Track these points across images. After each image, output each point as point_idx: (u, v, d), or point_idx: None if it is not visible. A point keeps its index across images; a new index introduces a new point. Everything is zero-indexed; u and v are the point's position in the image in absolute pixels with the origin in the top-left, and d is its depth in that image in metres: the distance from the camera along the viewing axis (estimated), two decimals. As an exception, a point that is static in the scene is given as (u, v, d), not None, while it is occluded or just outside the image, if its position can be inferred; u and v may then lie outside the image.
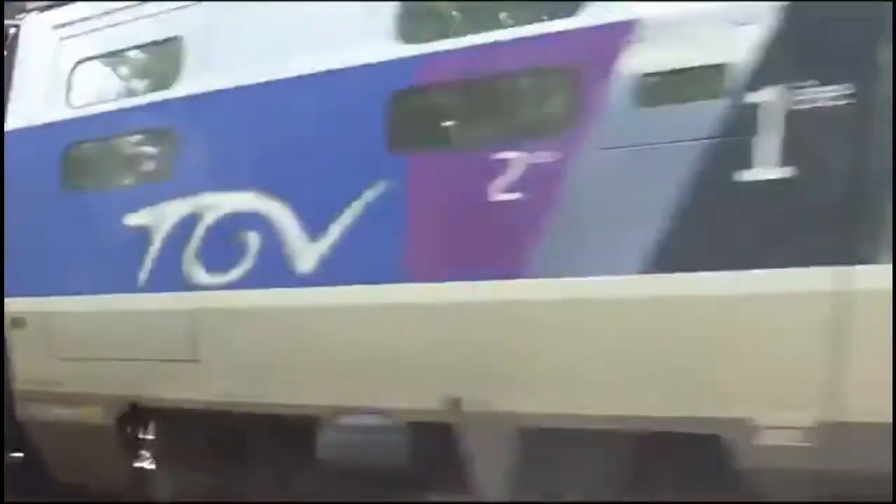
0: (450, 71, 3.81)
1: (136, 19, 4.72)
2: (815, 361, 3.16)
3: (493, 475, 3.82)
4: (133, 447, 4.97)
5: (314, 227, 4.09)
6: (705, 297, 3.32)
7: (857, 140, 3.08)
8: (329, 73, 4.05)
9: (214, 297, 4.40)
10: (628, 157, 3.43)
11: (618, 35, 3.43)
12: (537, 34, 3.59)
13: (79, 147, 5.07)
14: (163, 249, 4.55)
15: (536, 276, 3.60)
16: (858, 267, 3.07)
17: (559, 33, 3.55)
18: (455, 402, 3.84)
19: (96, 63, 5.05)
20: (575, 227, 3.52)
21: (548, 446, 3.74)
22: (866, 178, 3.07)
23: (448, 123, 4.12)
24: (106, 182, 5.06)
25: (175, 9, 4.56)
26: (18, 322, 5.04)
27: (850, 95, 3.07)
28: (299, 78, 4.16)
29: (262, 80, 4.24)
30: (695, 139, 3.30)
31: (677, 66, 3.37)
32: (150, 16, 4.65)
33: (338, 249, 4.03)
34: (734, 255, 3.28)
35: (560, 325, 3.59)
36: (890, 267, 2.92)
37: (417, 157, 3.93)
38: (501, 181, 3.63)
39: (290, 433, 4.35)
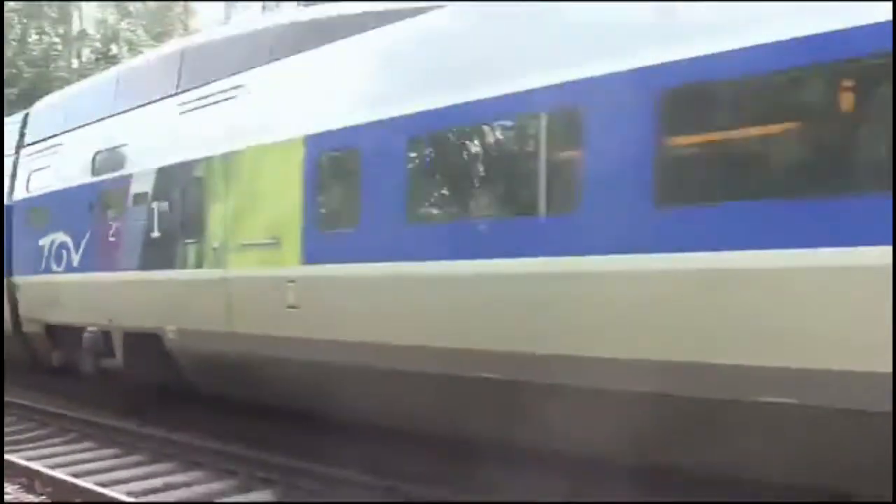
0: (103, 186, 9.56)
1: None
2: (171, 309, 8.48)
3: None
4: (51, 341, 11.21)
5: (76, 247, 10.03)
6: (160, 279, 8.71)
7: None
8: (81, 186, 9.97)
9: (58, 276, 10.51)
10: (136, 225, 8.92)
11: (133, 179, 8.97)
12: (121, 175, 9.19)
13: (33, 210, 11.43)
14: (46, 256, 10.76)
15: (122, 271, 9.22)
16: (186, 270, 8.34)
17: (123, 176, 9.14)
18: (111, 320, 9.57)
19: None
20: (123, 253, 9.11)
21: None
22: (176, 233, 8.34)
23: (100, 209, 9.78)
24: (36, 227, 11.29)
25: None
26: (11, 285, 11.58)
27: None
28: (80, 186, 10.07)
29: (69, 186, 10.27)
30: (144, 220, 8.74)
31: (139, 192, 8.82)
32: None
33: (82, 257, 9.93)
34: (166, 263, 8.64)
35: (135, 290, 9.16)
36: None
37: (98, 218, 9.68)
38: (111, 231, 9.31)
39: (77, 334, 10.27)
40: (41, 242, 10.93)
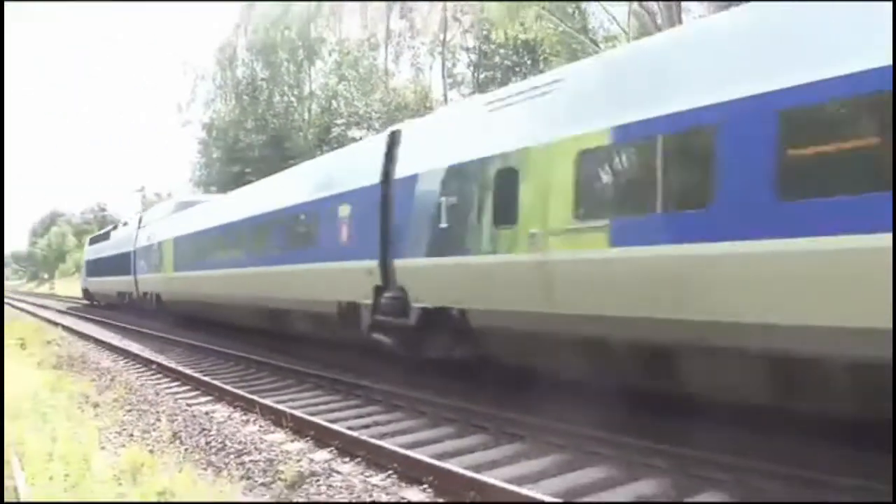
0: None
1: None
2: (161, 285, 27.68)
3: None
4: (145, 297, 30.59)
5: (146, 265, 29.61)
6: (158, 276, 27.88)
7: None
8: (151, 244, 29.55)
9: (143, 275, 30.09)
10: (155, 259, 28.24)
11: (160, 243, 28.37)
12: (160, 240, 28.55)
13: (140, 252, 31.06)
14: (141, 267, 30.42)
15: (152, 273, 28.59)
16: (161, 273, 27.51)
17: (159, 241, 28.52)
18: (152, 289, 28.89)
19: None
20: (152, 267, 28.56)
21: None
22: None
23: (152, 253, 29.13)
24: (139, 258, 31.06)
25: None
26: (136, 278, 31.48)
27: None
28: (151, 244, 29.50)
29: (146, 245, 29.93)
30: (158, 257, 28.02)
31: (155, 249, 28.11)
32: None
33: (145, 268, 29.51)
34: (158, 270, 27.81)
35: (155, 279, 28.39)
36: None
37: (148, 257, 29.05)
38: (149, 261, 28.73)
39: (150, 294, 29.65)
40: (140, 263, 30.59)
